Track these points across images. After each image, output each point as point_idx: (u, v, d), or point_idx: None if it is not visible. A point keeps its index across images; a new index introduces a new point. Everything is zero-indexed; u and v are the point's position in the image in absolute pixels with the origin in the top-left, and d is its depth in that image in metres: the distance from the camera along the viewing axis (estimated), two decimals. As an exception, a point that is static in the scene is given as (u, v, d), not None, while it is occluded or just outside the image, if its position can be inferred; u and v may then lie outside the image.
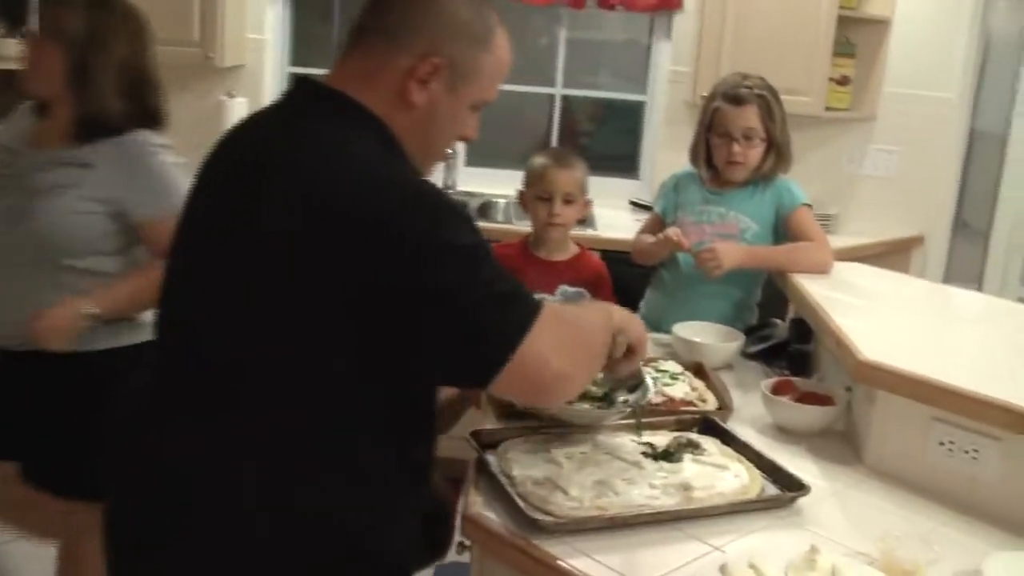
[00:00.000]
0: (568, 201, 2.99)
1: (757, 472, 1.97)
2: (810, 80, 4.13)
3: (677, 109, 4.56)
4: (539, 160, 3.04)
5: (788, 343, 2.67)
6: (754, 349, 2.69)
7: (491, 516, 1.79)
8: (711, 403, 2.29)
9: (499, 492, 1.85)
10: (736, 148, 2.87)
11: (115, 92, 2.44)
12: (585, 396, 2.07)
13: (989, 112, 5.09)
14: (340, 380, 1.50)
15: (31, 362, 2.40)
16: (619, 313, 1.79)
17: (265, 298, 1.48)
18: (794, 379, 2.37)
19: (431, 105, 1.60)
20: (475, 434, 2.01)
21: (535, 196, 3.02)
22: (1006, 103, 4.99)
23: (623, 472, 1.91)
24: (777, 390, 2.29)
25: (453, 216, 1.52)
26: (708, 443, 2.06)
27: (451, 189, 4.62)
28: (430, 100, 1.60)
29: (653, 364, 2.45)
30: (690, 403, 2.27)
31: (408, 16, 1.60)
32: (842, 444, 2.21)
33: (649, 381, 2.03)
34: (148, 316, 2.43)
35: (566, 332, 1.57)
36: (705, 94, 4.10)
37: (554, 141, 4.86)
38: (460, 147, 4.74)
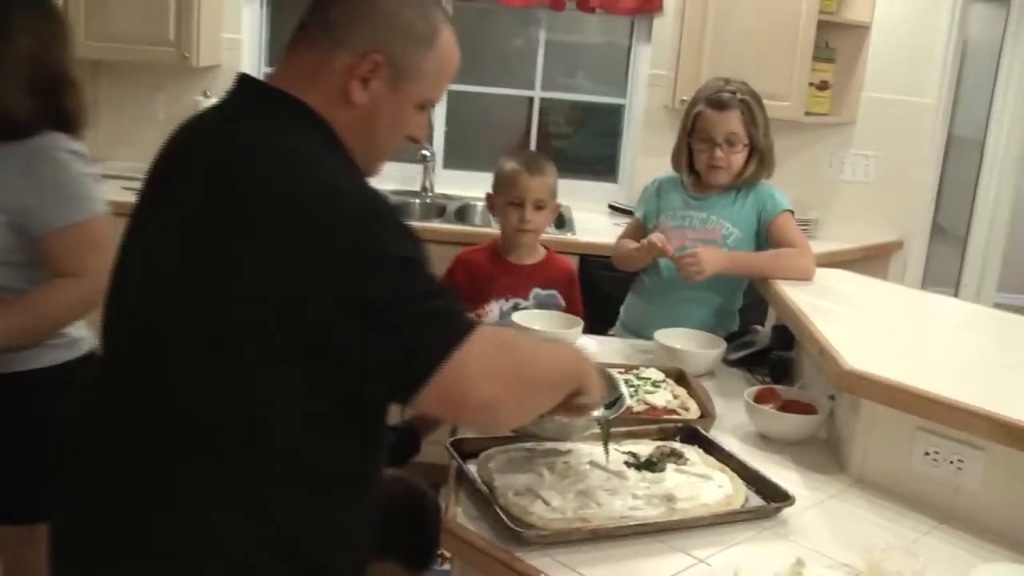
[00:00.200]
0: (539, 207, 2.97)
1: (741, 482, 1.94)
2: (790, 85, 4.13)
3: (656, 113, 4.55)
4: (510, 165, 3.01)
5: (770, 350, 2.65)
6: (736, 356, 2.67)
7: (472, 528, 1.76)
8: (693, 411, 2.27)
9: (480, 503, 1.82)
10: (718, 153, 2.85)
11: (22, 88, 2.22)
12: None
13: (967, 117, 5.12)
14: (280, 391, 1.46)
15: None
16: (588, 374, 1.72)
17: (201, 306, 1.45)
18: (777, 387, 2.35)
19: (373, 104, 1.57)
20: (456, 443, 1.98)
21: (506, 202, 2.99)
22: (983, 108, 5.02)
23: (605, 482, 1.88)
24: (760, 398, 2.27)
25: (392, 225, 1.49)
26: (691, 452, 2.04)
27: (429, 192, 4.59)
28: (372, 99, 1.57)
29: (634, 371, 2.43)
30: (672, 411, 2.25)
31: (349, 13, 1.58)
32: (825, 453, 2.19)
33: (626, 396, 1.98)
34: (76, 332, 2.35)
35: (506, 360, 1.51)
36: (685, 98, 4.11)
37: (532, 144, 4.83)
38: (438, 150, 4.71)
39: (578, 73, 5.01)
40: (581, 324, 2.70)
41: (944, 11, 4.41)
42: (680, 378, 2.44)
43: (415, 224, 3.97)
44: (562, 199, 3.26)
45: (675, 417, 2.22)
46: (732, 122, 2.84)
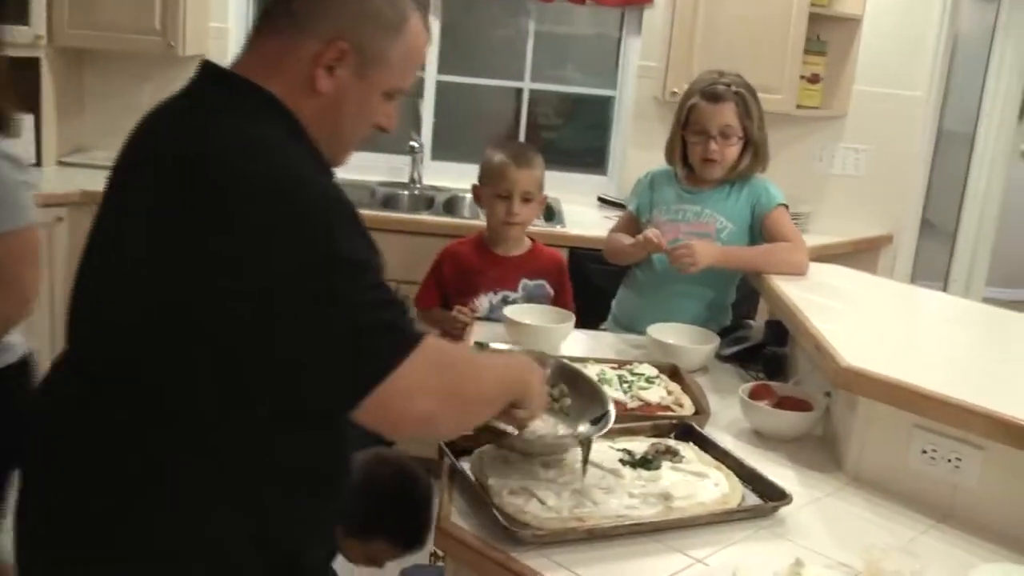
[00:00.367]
0: (527, 200, 2.95)
1: (737, 480, 1.92)
2: (781, 77, 4.10)
3: (646, 104, 4.52)
4: (498, 157, 2.98)
5: (763, 345, 2.63)
6: (729, 351, 2.65)
7: (466, 527, 1.73)
8: (688, 407, 2.25)
9: (474, 501, 1.79)
10: (713, 146, 2.83)
11: None
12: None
13: (957, 111, 5.11)
14: (235, 387, 1.44)
15: None
16: (530, 389, 1.71)
17: (160, 297, 1.43)
18: (772, 384, 2.33)
19: (339, 92, 1.55)
20: (449, 441, 1.95)
21: (493, 194, 2.97)
22: (973, 102, 5.01)
23: (601, 480, 1.86)
24: (755, 395, 2.25)
25: (353, 227, 1.46)
26: (686, 450, 2.02)
27: (417, 184, 4.55)
28: (338, 87, 1.54)
29: (628, 367, 2.40)
30: (667, 408, 2.23)
31: (314, 0, 1.54)
32: (821, 450, 2.17)
33: (612, 414, 1.94)
34: (9, 338, 2.27)
35: (444, 374, 1.50)
36: (676, 90, 4.11)
37: (521, 135, 4.80)
38: (426, 141, 4.67)
39: (567, 65, 4.97)
40: (572, 318, 2.67)
41: (935, 4, 4.39)
42: (674, 374, 2.42)
43: (403, 216, 4.03)
44: (551, 191, 3.23)
45: (670, 414, 2.20)
46: (727, 114, 2.82)
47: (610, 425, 1.91)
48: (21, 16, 3.94)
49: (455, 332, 2.84)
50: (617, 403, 2.12)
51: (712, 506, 1.82)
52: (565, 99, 5.04)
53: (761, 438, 2.20)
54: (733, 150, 2.84)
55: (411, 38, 1.60)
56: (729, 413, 2.29)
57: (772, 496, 1.86)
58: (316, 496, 1.59)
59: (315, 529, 1.61)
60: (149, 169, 1.50)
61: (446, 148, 4.78)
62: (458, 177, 4.51)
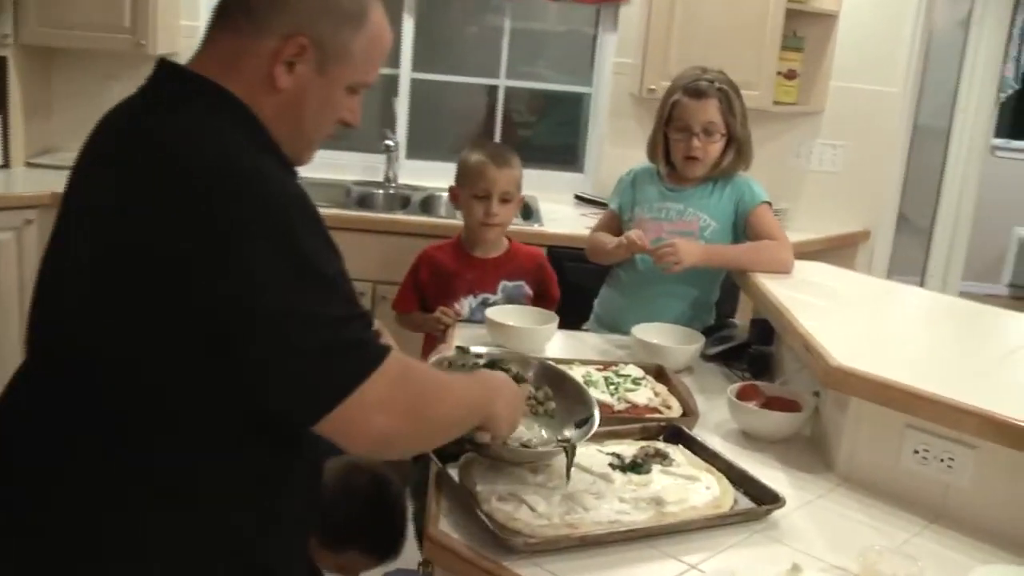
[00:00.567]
0: (505, 200, 2.92)
1: (728, 483, 1.89)
2: (759, 74, 4.08)
3: (622, 101, 4.49)
4: (475, 157, 2.95)
5: (748, 344, 2.61)
6: (714, 351, 2.62)
7: (455, 535, 1.69)
8: (675, 409, 2.22)
9: (462, 508, 1.76)
10: (696, 143, 2.80)
11: None
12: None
13: (932, 107, 5.12)
14: (196, 396, 1.41)
15: None
16: (495, 414, 1.68)
17: (119, 304, 1.39)
18: (759, 384, 2.30)
19: (300, 89, 1.51)
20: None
21: (471, 195, 2.93)
22: (948, 96, 5.02)
23: (591, 485, 1.82)
24: (742, 395, 2.23)
25: (313, 229, 1.42)
26: (676, 452, 1.99)
27: (392, 183, 4.50)
28: (298, 84, 1.50)
29: (614, 369, 2.37)
30: (654, 409, 2.20)
31: None
32: (810, 451, 2.15)
33: (597, 417, 1.91)
34: None
35: (406, 393, 1.46)
36: (653, 87, 4.09)
37: (497, 133, 4.76)
38: (401, 139, 4.62)
39: (539, 61, 4.94)
40: (556, 320, 2.64)
41: (910, 0, 4.39)
42: (659, 374, 2.39)
43: (379, 216, 3.98)
44: (527, 189, 3.20)
45: (658, 416, 2.17)
46: (710, 111, 2.79)
47: (595, 429, 1.89)
48: (-13, 14, 3.87)
49: (436, 334, 2.80)
50: (604, 406, 2.09)
51: (704, 510, 1.79)
52: (537, 96, 5.00)
53: (749, 439, 2.17)
54: (716, 147, 2.82)
55: (373, 30, 1.56)
56: (716, 414, 2.26)
57: (764, 499, 1.84)
58: (288, 508, 1.55)
59: (288, 542, 1.57)
60: (107, 170, 1.46)
61: (421, 146, 4.73)
62: (434, 176, 4.47)
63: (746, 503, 1.85)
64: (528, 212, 4.15)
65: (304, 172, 1.60)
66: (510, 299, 2.91)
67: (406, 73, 4.60)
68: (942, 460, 1.89)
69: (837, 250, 4.36)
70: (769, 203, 2.87)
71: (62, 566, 1.44)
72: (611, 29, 4.54)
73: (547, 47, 4.96)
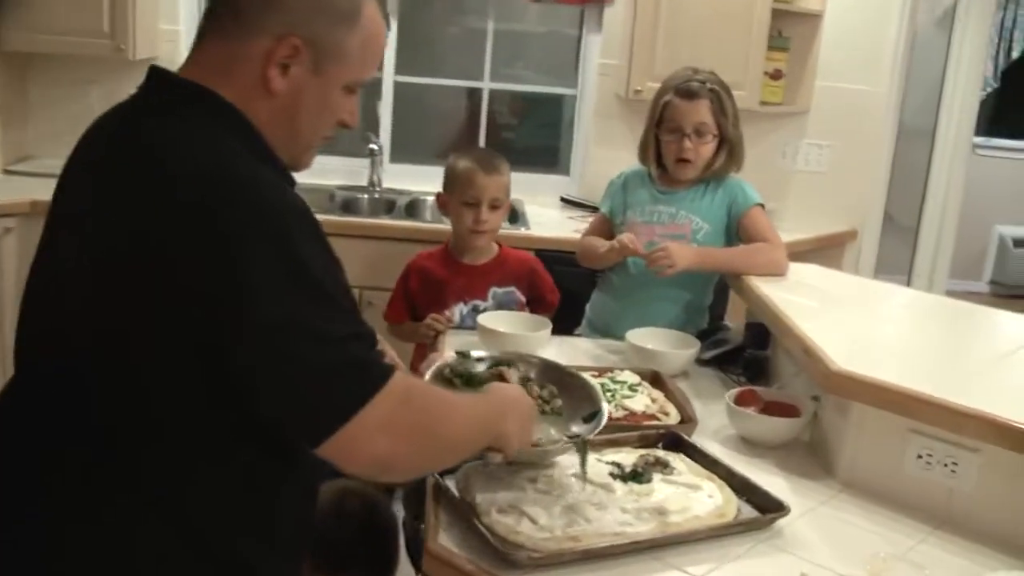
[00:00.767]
0: (494, 207, 2.89)
1: (730, 491, 1.86)
2: (745, 74, 4.06)
3: (608, 103, 4.46)
4: (463, 164, 2.91)
5: (743, 348, 2.58)
6: (708, 355, 2.59)
7: (455, 550, 1.66)
8: (673, 415, 2.19)
9: (462, 521, 1.72)
10: (687, 144, 2.77)
11: None
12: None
13: (915, 106, 5.12)
14: (190, 416, 1.36)
15: None
16: (506, 434, 1.64)
17: (109, 317, 1.35)
18: (757, 389, 2.28)
19: (295, 91, 1.46)
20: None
21: (460, 202, 2.90)
22: (932, 96, 5.01)
23: (592, 496, 1.79)
24: (740, 400, 2.20)
25: (314, 247, 1.37)
26: (676, 460, 1.96)
27: (377, 187, 4.45)
28: (293, 86, 1.46)
29: (609, 375, 2.33)
30: (652, 416, 2.16)
31: None
32: (810, 456, 2.12)
33: (605, 412, 1.89)
34: None
35: (410, 415, 1.42)
36: (640, 88, 4.06)
37: (481, 135, 4.72)
38: (385, 143, 4.58)
39: (520, 63, 4.90)
40: (549, 326, 2.61)
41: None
42: (655, 380, 2.36)
43: (364, 221, 3.93)
44: (512, 193, 3.16)
45: (656, 423, 2.13)
46: (702, 112, 2.76)
47: (604, 423, 1.87)
48: (-39, 20, 3.80)
49: (427, 341, 2.76)
50: (601, 413, 2.06)
51: (708, 519, 1.76)
52: (518, 98, 4.96)
53: (748, 445, 2.15)
54: (708, 148, 2.79)
55: (368, 26, 1.51)
56: (714, 420, 2.23)
57: (768, 507, 1.81)
58: (283, 528, 1.51)
59: (282, 564, 1.53)
60: (98, 179, 1.42)
61: (405, 150, 4.68)
62: (418, 179, 4.43)
63: (749, 511, 1.82)
64: (514, 216, 4.12)
65: (287, 177, 1.56)
66: (501, 305, 2.88)
67: (389, 76, 4.55)
68: (946, 464, 1.87)
69: (824, 250, 4.34)
70: (762, 205, 2.84)
71: None
72: (595, 30, 4.51)
73: (529, 49, 4.93)
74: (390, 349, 1.57)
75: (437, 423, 1.49)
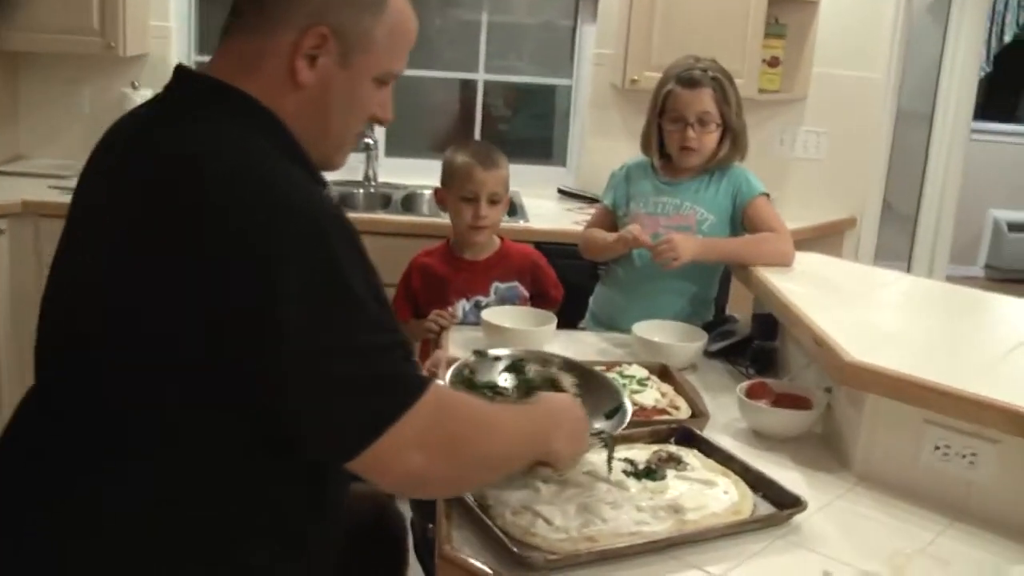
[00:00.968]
0: (494, 201, 2.85)
1: (745, 486, 1.83)
2: (743, 62, 4.01)
3: (603, 93, 4.42)
4: (461, 158, 2.87)
5: (751, 340, 2.54)
6: (716, 347, 2.56)
7: (470, 553, 1.62)
8: (684, 410, 2.15)
9: (475, 525, 1.68)
10: (691, 133, 2.73)
11: None
12: None
13: (912, 90, 5.09)
14: (213, 431, 1.33)
15: None
16: (554, 449, 1.60)
17: (134, 326, 1.31)
18: (768, 381, 2.24)
19: (324, 84, 1.43)
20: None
21: (459, 197, 2.85)
22: (929, 81, 4.98)
23: (606, 495, 1.75)
24: (751, 393, 2.16)
25: (350, 248, 1.33)
26: (689, 456, 1.92)
27: (372, 182, 4.41)
28: (321, 78, 1.43)
29: (618, 369, 2.30)
30: (663, 411, 2.13)
31: None
32: (823, 448, 2.09)
33: (628, 406, 1.87)
34: None
35: (446, 429, 1.38)
36: (636, 77, 4.02)
37: (477, 128, 4.68)
38: (380, 137, 4.53)
39: (511, 55, 4.86)
40: (554, 320, 2.57)
41: (892, -16, 4.35)
42: (663, 373, 2.32)
43: (360, 216, 3.89)
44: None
45: (667, 418, 2.10)
46: (704, 100, 2.73)
47: (628, 418, 1.85)
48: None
49: (431, 338, 2.73)
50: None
51: (725, 516, 1.73)
52: (510, 89, 4.93)
53: (760, 438, 2.11)
54: (711, 137, 2.75)
55: (395, 15, 1.49)
56: (724, 413, 2.20)
57: (784, 502, 1.78)
58: (302, 555, 1.47)
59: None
60: (122, 181, 1.38)
61: (400, 144, 4.64)
62: (414, 173, 4.40)
63: (765, 507, 1.79)
64: (512, 209, 4.07)
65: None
66: (504, 300, 2.84)
67: (383, 70, 4.50)
68: (964, 456, 1.83)
69: (824, 238, 4.31)
70: (767, 195, 2.81)
71: None
72: (590, 20, 4.47)
73: (523, 40, 4.88)
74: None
75: (476, 438, 1.45)
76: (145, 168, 1.35)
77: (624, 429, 1.96)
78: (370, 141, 4.38)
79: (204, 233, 1.27)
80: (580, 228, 3.12)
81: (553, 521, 1.65)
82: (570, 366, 1.99)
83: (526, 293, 2.91)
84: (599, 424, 1.84)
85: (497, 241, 2.97)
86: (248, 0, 1.45)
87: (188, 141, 1.35)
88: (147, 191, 1.33)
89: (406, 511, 2.46)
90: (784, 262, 2.67)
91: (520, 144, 4.82)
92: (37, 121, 4.26)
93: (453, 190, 2.88)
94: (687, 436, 2.01)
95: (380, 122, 1.56)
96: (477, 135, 4.62)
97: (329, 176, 4.64)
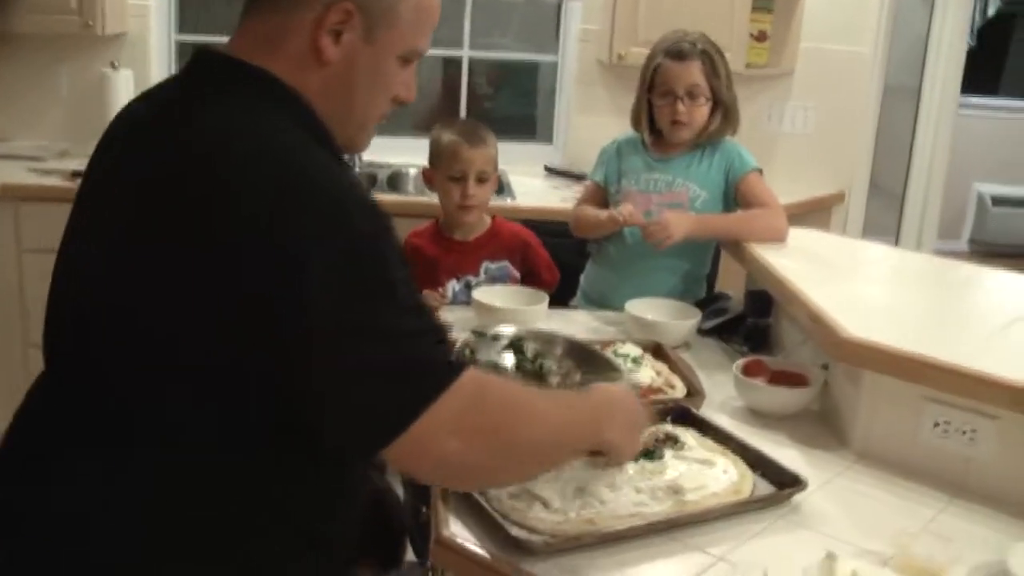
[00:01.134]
0: (482, 180, 2.81)
1: (744, 465, 1.81)
2: (730, 36, 3.96)
3: (589, 69, 4.38)
4: (448, 136, 2.83)
5: (744, 317, 2.52)
6: (709, 324, 2.54)
7: (467, 537, 1.59)
8: (679, 388, 2.13)
9: (472, 508, 1.65)
10: (680, 107, 2.70)
11: None
12: None
13: (900, 64, 5.06)
14: (235, 422, 1.29)
15: None
16: (606, 439, 1.57)
17: (149, 316, 1.27)
18: (764, 358, 2.22)
19: (348, 60, 1.39)
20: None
21: (446, 176, 2.81)
22: (917, 55, 4.96)
23: (603, 476, 1.72)
24: (748, 371, 2.14)
25: (381, 232, 1.30)
26: (686, 435, 1.89)
27: (357, 161, 4.36)
28: (346, 54, 1.38)
29: (612, 348, 2.27)
30: (659, 390, 2.10)
31: None
32: (821, 426, 2.07)
33: (626, 374, 1.85)
34: None
35: (485, 415, 1.34)
36: (622, 52, 3.98)
37: (463, 105, 4.63)
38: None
39: (495, 31, 4.81)
40: (545, 299, 2.54)
41: (879, -43, 4.32)
42: (657, 351, 2.30)
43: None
44: (496, 164, 3.09)
45: (663, 397, 2.07)
46: (693, 73, 2.69)
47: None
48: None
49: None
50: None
51: (725, 496, 1.70)
52: (494, 67, 4.88)
53: (757, 416, 2.09)
54: (702, 111, 2.72)
55: None
56: (719, 391, 2.17)
57: (784, 481, 1.75)
58: (309, 553, 1.43)
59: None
60: (140, 168, 1.34)
61: (384, 122, 4.58)
62: (399, 152, 4.35)
63: (765, 486, 1.76)
64: (500, 187, 4.03)
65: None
66: (494, 280, 2.81)
67: (366, 47, 4.45)
68: (964, 432, 1.82)
69: (812, 213, 4.27)
70: (760, 170, 2.78)
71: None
72: (576, -5, 4.42)
73: (508, 17, 4.83)
74: None
75: (516, 424, 1.40)
76: (166, 152, 1.31)
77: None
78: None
79: (215, 219, 1.23)
80: (568, 206, 3.09)
81: (551, 504, 1.62)
82: (573, 346, 1.96)
83: (516, 273, 2.87)
84: None
85: (487, 220, 2.93)
86: None
87: (207, 125, 1.31)
88: (166, 176, 1.29)
89: (397, 489, 2.44)
90: (778, 238, 2.64)
91: (504, 122, 4.77)
92: (14, 102, 4.17)
93: (441, 169, 2.84)
94: (683, 415, 1.98)
95: (402, 102, 1.51)
96: (463, 113, 4.57)
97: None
